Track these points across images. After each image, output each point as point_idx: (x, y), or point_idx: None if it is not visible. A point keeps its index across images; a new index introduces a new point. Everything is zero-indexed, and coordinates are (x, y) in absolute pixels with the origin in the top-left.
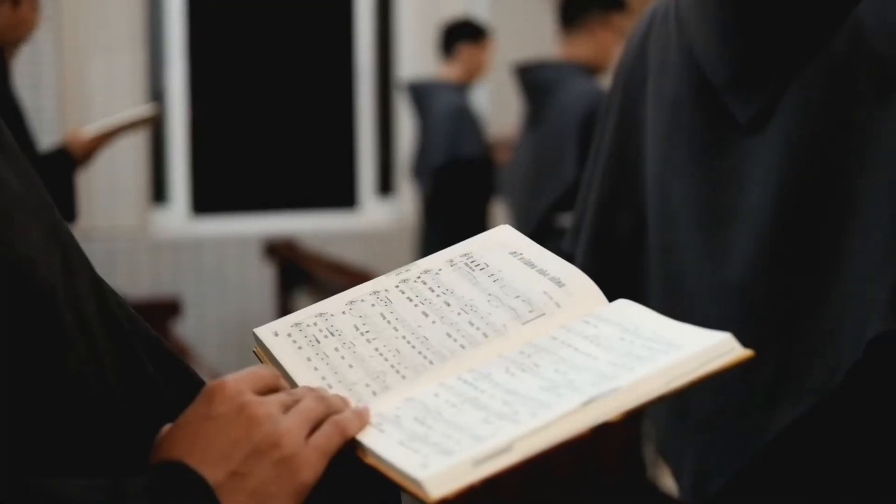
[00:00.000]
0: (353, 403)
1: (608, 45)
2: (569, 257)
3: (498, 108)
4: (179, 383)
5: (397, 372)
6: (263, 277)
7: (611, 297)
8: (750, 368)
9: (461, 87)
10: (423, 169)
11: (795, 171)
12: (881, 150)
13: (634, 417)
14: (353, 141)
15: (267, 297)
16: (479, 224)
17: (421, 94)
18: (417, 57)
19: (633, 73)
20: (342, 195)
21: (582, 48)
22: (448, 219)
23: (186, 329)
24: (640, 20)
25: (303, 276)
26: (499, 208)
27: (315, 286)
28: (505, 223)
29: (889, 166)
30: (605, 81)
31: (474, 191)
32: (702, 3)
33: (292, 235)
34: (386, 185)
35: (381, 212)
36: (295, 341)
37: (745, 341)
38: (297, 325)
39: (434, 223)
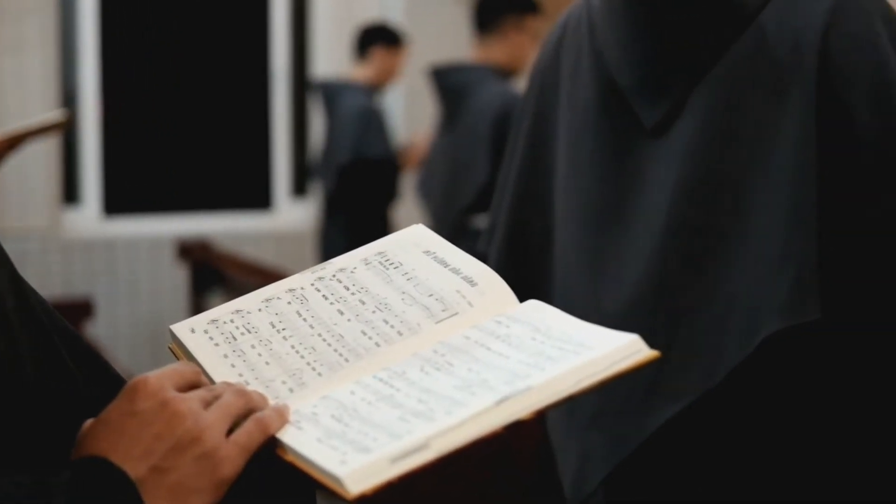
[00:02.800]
0: (271, 400)
1: (522, 49)
2: (483, 258)
3: (413, 110)
4: (99, 379)
5: (313, 369)
6: (177, 278)
7: (524, 298)
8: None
9: (371, 90)
10: (328, 167)
11: (693, 173)
12: (776, 152)
13: (546, 417)
14: (268, 142)
15: (180, 298)
16: (380, 225)
17: (330, 93)
18: (333, 59)
19: (547, 78)
20: (257, 196)
21: (496, 51)
22: (349, 218)
23: (98, 330)
24: (555, 25)
25: (216, 277)
26: (402, 210)
27: (229, 287)
28: (412, 224)
29: (784, 169)
30: (520, 84)
31: (377, 191)
32: (610, 9)
33: (206, 236)
34: (301, 186)
35: (296, 213)
36: (212, 338)
37: (648, 341)
38: (213, 321)
39: (335, 222)
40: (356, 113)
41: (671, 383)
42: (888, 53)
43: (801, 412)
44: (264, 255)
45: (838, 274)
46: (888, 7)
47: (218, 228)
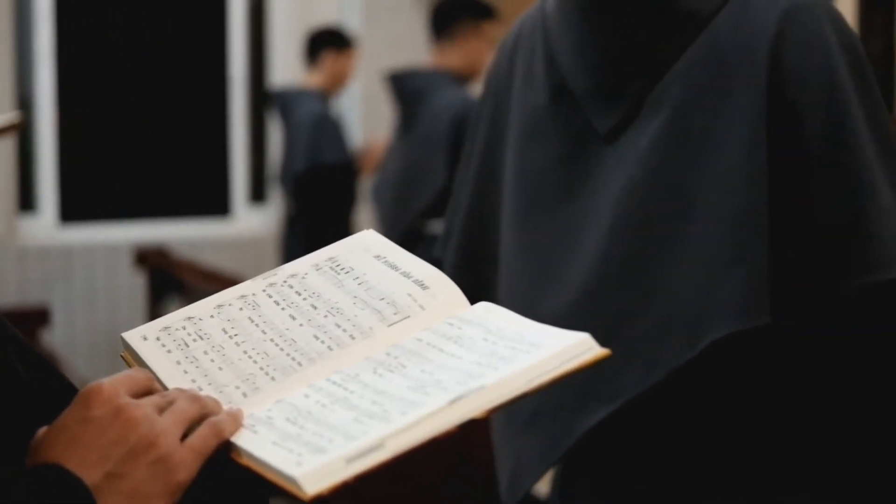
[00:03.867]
0: (225, 405)
1: (479, 54)
2: (440, 263)
3: (370, 115)
4: (52, 387)
5: (266, 374)
6: (134, 286)
7: (479, 301)
8: None
9: (324, 95)
10: (286, 176)
11: (643, 177)
12: (721, 156)
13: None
14: (226, 148)
15: (138, 305)
16: (341, 231)
17: (285, 101)
18: (290, 65)
19: (501, 83)
20: (215, 202)
21: (453, 57)
22: (310, 225)
23: (55, 338)
24: (510, 30)
25: (174, 284)
26: (363, 215)
27: (187, 294)
28: (370, 229)
29: (733, 171)
30: (477, 90)
31: (336, 198)
32: (565, 15)
33: (164, 243)
34: (259, 192)
35: (254, 219)
36: (164, 345)
37: None
38: (165, 328)
39: (296, 230)
40: (310, 120)
41: (605, 386)
42: (838, 59)
43: (752, 413)
44: (223, 262)
45: (788, 278)
46: (838, 14)
47: (176, 235)
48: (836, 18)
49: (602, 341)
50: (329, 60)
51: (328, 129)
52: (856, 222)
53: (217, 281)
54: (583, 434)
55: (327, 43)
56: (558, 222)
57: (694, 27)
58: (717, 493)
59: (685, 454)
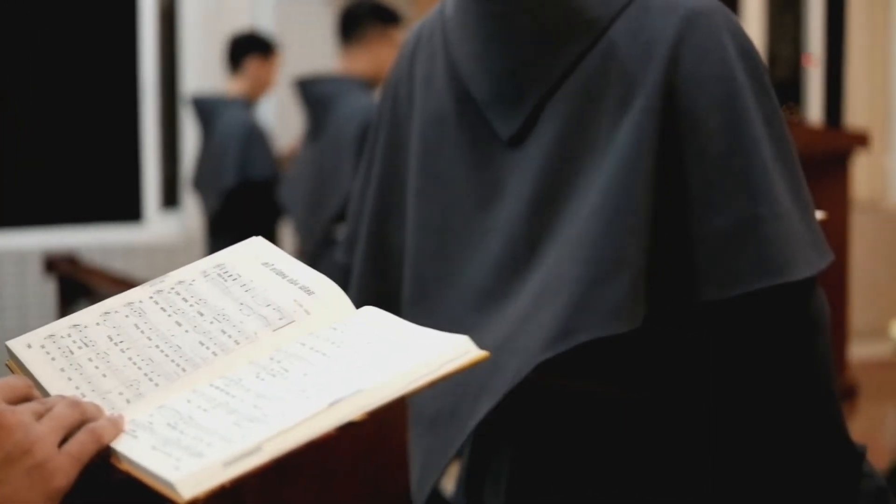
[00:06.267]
0: (108, 412)
1: (386, 59)
2: (343, 268)
3: (283, 121)
4: None
5: (150, 380)
6: (44, 293)
7: (388, 308)
8: (470, 370)
9: (248, 103)
10: (208, 185)
11: (544, 183)
12: (614, 159)
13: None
14: (138, 153)
15: (48, 312)
16: (269, 239)
17: (206, 109)
18: (202, 70)
19: (402, 88)
20: (126, 208)
21: (360, 62)
22: (235, 237)
23: None
24: (410, 35)
25: (84, 291)
26: (288, 223)
27: (97, 301)
28: (291, 238)
29: (613, 177)
30: None
31: (263, 210)
32: (464, 21)
33: (75, 250)
34: (171, 198)
35: (167, 225)
36: (48, 353)
37: (482, 342)
38: (50, 336)
39: (220, 241)
40: (238, 131)
41: (494, 384)
42: (736, 65)
43: (645, 412)
44: (134, 269)
45: (680, 282)
46: (736, 22)
47: (87, 241)
48: (734, 26)
49: (497, 342)
50: (253, 67)
51: (255, 141)
52: (752, 227)
53: (128, 287)
54: (470, 432)
55: (251, 49)
56: (472, 230)
57: (592, 34)
58: (614, 489)
59: (584, 450)
